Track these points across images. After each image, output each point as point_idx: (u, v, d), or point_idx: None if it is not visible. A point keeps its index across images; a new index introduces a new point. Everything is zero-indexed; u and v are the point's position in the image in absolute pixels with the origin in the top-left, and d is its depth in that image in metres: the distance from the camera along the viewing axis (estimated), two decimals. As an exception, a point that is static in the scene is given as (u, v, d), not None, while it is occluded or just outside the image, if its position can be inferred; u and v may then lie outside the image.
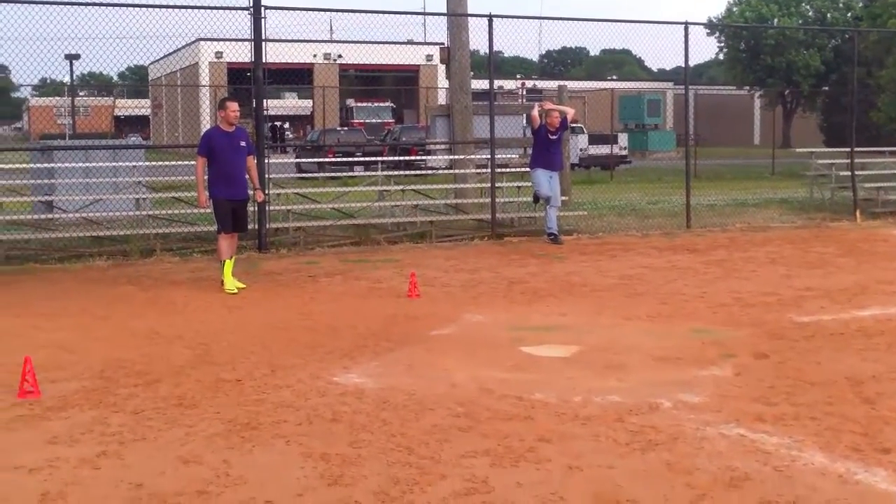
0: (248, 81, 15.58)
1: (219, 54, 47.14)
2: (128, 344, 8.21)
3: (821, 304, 9.90)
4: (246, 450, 5.48)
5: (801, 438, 5.60)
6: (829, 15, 59.67)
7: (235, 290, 10.61)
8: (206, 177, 10.93)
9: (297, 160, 29.65)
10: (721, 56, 64.66)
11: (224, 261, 10.86)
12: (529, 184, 15.71)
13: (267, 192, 14.01)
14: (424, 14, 29.62)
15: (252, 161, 11.26)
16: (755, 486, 4.89)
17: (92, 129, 40.36)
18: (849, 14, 56.98)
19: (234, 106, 10.97)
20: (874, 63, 37.67)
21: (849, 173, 18.98)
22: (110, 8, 14.13)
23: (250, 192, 11.41)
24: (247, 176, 11.22)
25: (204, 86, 42.78)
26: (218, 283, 10.83)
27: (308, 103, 57.09)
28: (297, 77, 49.50)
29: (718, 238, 15.67)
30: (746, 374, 7.07)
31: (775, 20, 59.17)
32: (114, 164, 15.37)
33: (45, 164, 14.96)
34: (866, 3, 48.00)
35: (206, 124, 37.59)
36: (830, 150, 26.47)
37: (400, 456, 5.35)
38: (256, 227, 13.77)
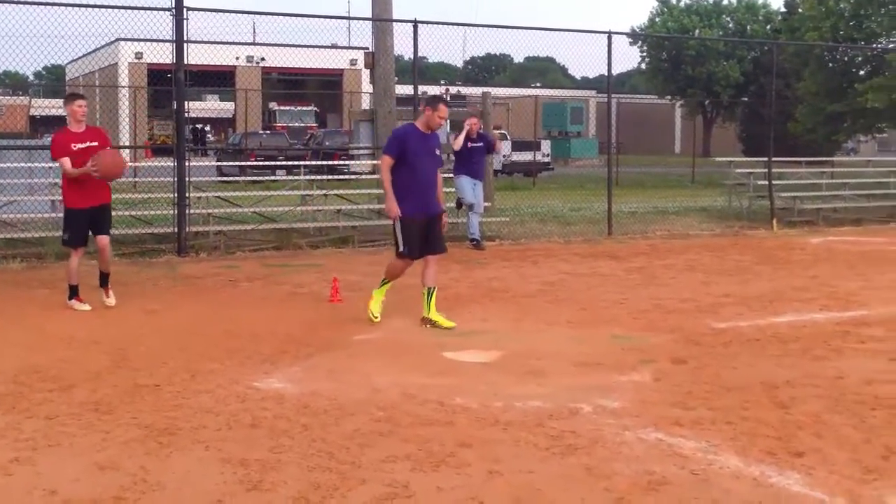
0: (168, 83, 15.40)
1: (139, 55, 46.48)
2: (43, 348, 8.05)
3: (738, 310, 10.06)
4: (164, 455, 5.40)
5: (717, 442, 5.68)
6: (748, 27, 60.85)
7: (377, 318, 9.16)
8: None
9: (219, 163, 29.36)
10: (643, 66, 65.52)
11: (387, 280, 9.30)
12: (451, 190, 15.74)
13: (187, 195, 13.87)
14: (349, 18, 29.60)
15: (440, 176, 9.44)
16: (672, 490, 4.95)
17: (6, 129, 39.53)
18: (768, 26, 58.18)
19: (445, 109, 9.13)
20: (792, 75, 38.49)
21: (766, 182, 19.34)
22: (26, 6, 13.85)
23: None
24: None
25: (123, 87, 42.11)
26: (135, 287, 10.61)
27: (230, 106, 56.55)
28: (218, 79, 49.10)
29: (639, 245, 15.86)
30: (665, 380, 7.16)
31: (697, 31, 60.15)
32: (29, 164, 15.07)
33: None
34: (785, 16, 49.04)
35: (124, 125, 37.04)
36: (749, 159, 26.98)
37: (320, 461, 5.31)
38: (176, 230, 13.61)
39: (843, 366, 7.62)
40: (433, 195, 9.16)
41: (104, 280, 9.97)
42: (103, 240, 9.90)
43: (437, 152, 9.27)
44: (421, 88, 16.64)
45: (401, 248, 9.08)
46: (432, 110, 9.02)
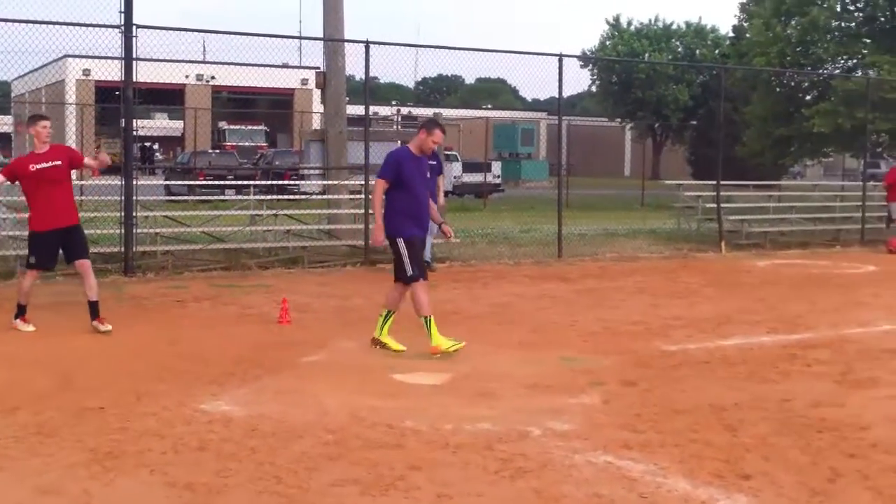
0: (117, 100, 15.26)
1: (86, 72, 46.02)
2: (-16, 369, 7.90)
3: (687, 333, 10.13)
4: (108, 479, 5.31)
5: (665, 465, 5.69)
6: (697, 51, 61.53)
7: (452, 347, 8.72)
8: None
9: (167, 182, 29.11)
10: (594, 88, 66.01)
11: (429, 317, 8.83)
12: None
13: (134, 214, 13.72)
14: (300, 38, 29.57)
15: (441, 180, 9.30)
16: (621, 514, 4.95)
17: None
18: (717, 51, 58.86)
19: (440, 135, 9.03)
20: (740, 99, 38.97)
21: (715, 205, 19.53)
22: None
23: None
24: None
25: (70, 104, 41.68)
26: (82, 307, 10.45)
27: (179, 124, 56.16)
28: (168, 97, 48.74)
29: (589, 267, 15.93)
30: (614, 402, 7.18)
31: (647, 55, 60.72)
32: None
33: None
34: (733, 41, 49.66)
35: (71, 143, 36.52)
36: (697, 182, 27.22)
37: (268, 485, 5.25)
38: (122, 250, 13.46)
39: (789, 388, 7.68)
40: (428, 217, 9.05)
41: (94, 311, 9.61)
42: (83, 264, 9.65)
43: (429, 175, 9.20)
44: (372, 109, 16.63)
45: (410, 272, 8.79)
46: (427, 134, 8.90)
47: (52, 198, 9.41)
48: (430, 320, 8.75)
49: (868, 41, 34.21)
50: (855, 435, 6.38)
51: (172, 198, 23.20)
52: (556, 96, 17.78)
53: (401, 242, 8.77)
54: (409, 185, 8.78)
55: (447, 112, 47.20)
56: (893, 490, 5.33)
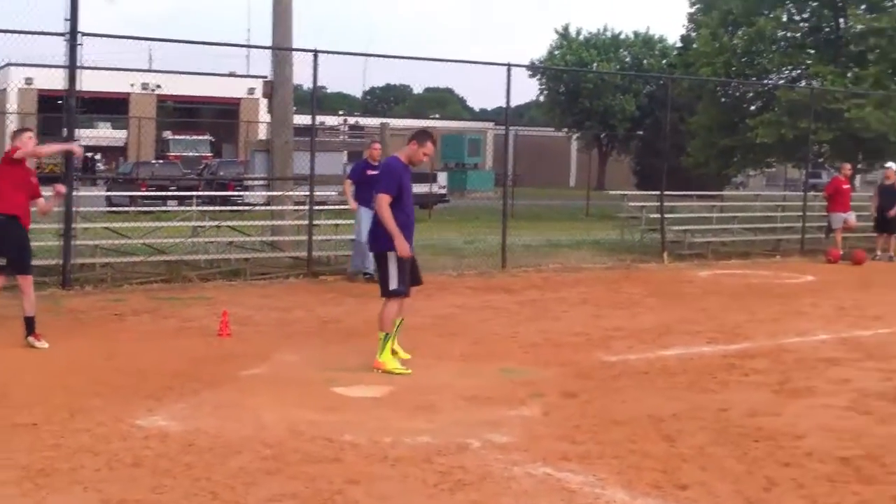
0: (59, 109, 15.05)
1: (29, 80, 45.47)
2: (-85, 385, 7.74)
3: (628, 343, 10.19)
4: (40, 497, 5.23)
5: (604, 476, 5.72)
6: (645, 61, 62.04)
7: (402, 370, 8.58)
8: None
9: (109, 193, 28.77)
10: (541, 98, 66.27)
11: (388, 334, 8.68)
12: (348, 222, 15.67)
13: (74, 225, 13.53)
14: (248, 46, 29.43)
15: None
16: (558, 526, 4.96)
17: None
18: (664, 61, 59.33)
19: (431, 148, 8.94)
20: (686, 109, 39.29)
21: (658, 216, 19.67)
22: None
23: None
24: None
25: (11, 112, 41.11)
26: (15, 321, 10.28)
27: (123, 134, 55.61)
28: (111, 106, 48.21)
29: (533, 278, 15.96)
30: (554, 414, 7.19)
31: (595, 64, 61.11)
32: None
33: None
34: (680, 51, 50.08)
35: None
36: (642, 192, 27.42)
37: (203, 500, 5.21)
38: (61, 262, 13.26)
39: (727, 398, 7.76)
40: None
41: (30, 326, 9.48)
42: (25, 280, 9.56)
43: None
44: (319, 118, 16.56)
45: (394, 286, 8.66)
46: (418, 145, 8.78)
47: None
48: (387, 337, 8.64)
49: (812, 52, 34.67)
50: (791, 444, 6.45)
51: (113, 209, 22.89)
52: (504, 106, 17.79)
53: (392, 256, 8.62)
54: (403, 197, 8.68)
55: (394, 122, 46.93)
56: (827, 499, 5.40)
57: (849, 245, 20.44)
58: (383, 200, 8.54)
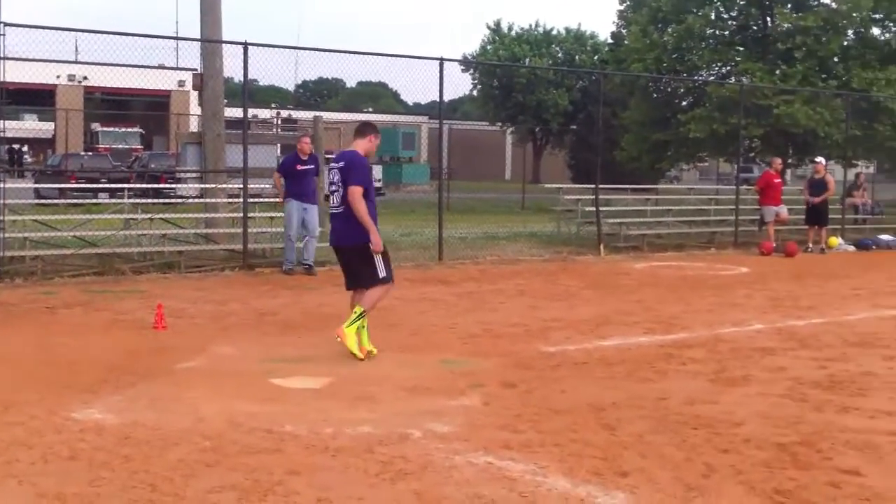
0: (-17, 101, 14.71)
1: (-47, 72, 44.47)
2: None
3: (566, 334, 10.22)
4: (-29, 492, 5.10)
5: (545, 464, 5.72)
6: (577, 57, 62.44)
7: (358, 353, 8.63)
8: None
9: (37, 185, 28.25)
10: (475, 92, 66.40)
11: (364, 313, 8.77)
12: (282, 214, 15.56)
13: (1, 217, 13.27)
14: (177, 39, 28.97)
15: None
16: (502, 514, 4.95)
17: None
18: (595, 57, 59.77)
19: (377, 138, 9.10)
20: (618, 104, 39.61)
21: (594, 209, 19.81)
22: None
23: None
24: None
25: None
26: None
27: (50, 126, 54.66)
28: (37, 98, 47.36)
29: (470, 270, 15.98)
30: (494, 403, 7.19)
31: (527, 60, 61.34)
32: None
33: None
34: (612, 47, 50.46)
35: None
36: (577, 186, 27.59)
37: (142, 493, 5.11)
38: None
39: (666, 387, 7.81)
40: None
41: None
42: None
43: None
44: (252, 111, 16.39)
45: (383, 274, 8.79)
46: (377, 137, 8.98)
47: None
48: (363, 314, 8.67)
49: (741, 49, 35.12)
50: (728, 431, 6.51)
51: (42, 201, 22.48)
52: (438, 100, 17.78)
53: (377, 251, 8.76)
54: (371, 190, 8.77)
55: (328, 115, 46.85)
56: (765, 484, 5.45)
57: (781, 238, 20.77)
58: (358, 193, 8.55)
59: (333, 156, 9.23)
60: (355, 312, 8.69)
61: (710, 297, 13.39)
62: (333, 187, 8.81)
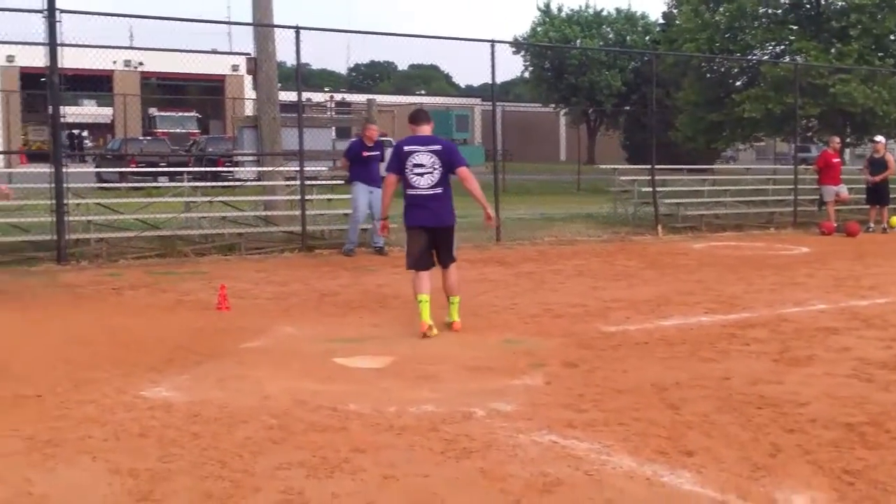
0: (42, 87, 14.95)
1: (10, 58, 45.16)
2: (-85, 359, 7.71)
3: (626, 314, 10.19)
4: (48, 467, 5.20)
5: (609, 443, 5.72)
6: (628, 38, 61.89)
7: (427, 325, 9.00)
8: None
9: (98, 169, 28.67)
10: (527, 74, 66.12)
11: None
12: (341, 196, 15.67)
13: (66, 201, 13.48)
14: (229, 23, 29.17)
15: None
16: (567, 491, 4.96)
17: None
18: (647, 38, 59.24)
19: None
20: (671, 84, 39.28)
21: (650, 189, 19.69)
22: None
23: None
24: None
25: (-7, 90, 40.88)
26: (12, 296, 10.24)
27: (108, 111, 55.31)
28: (95, 84, 47.94)
29: (528, 251, 15.98)
30: (556, 383, 7.20)
31: (578, 41, 60.94)
32: None
33: None
34: (663, 27, 50.03)
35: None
36: (632, 167, 27.44)
37: (213, 470, 5.19)
38: (55, 238, 13.22)
39: (729, 367, 7.76)
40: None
41: None
42: None
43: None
44: (305, 95, 16.49)
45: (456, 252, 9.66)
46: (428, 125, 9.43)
47: None
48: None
49: (795, 27, 34.67)
50: (794, 411, 6.46)
51: (104, 185, 22.80)
52: (490, 82, 17.76)
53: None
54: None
55: (381, 98, 47.02)
56: (833, 464, 5.41)
57: (842, 218, 20.51)
58: (470, 172, 9.28)
59: (407, 140, 9.40)
60: (454, 302, 9.31)
61: (771, 276, 13.26)
62: (421, 169, 9.06)
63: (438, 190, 9.08)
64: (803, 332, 9.29)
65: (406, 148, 9.15)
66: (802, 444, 5.77)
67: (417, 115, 9.40)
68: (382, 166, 15.43)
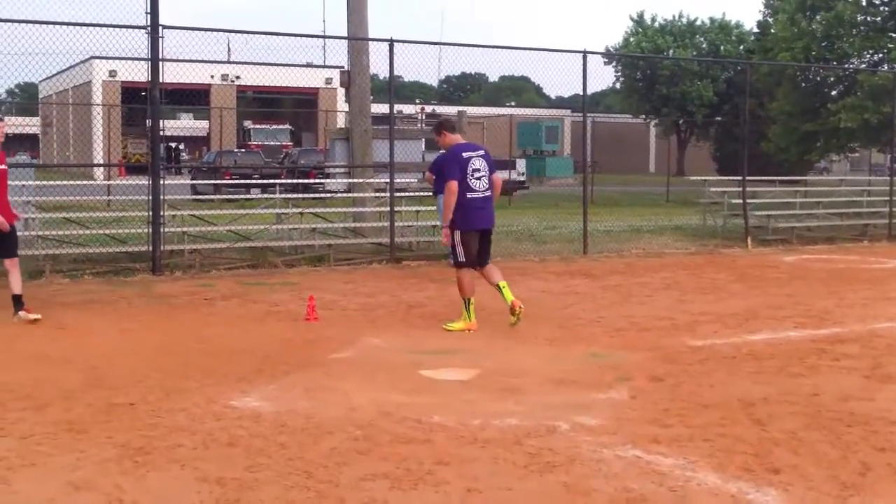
0: (143, 101, 15.34)
1: (112, 73, 46.36)
2: (16, 367, 7.97)
3: (714, 328, 10.09)
4: (139, 475, 5.34)
5: (694, 459, 5.68)
6: (722, 47, 61.26)
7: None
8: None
9: (193, 182, 29.25)
10: (618, 85, 65.80)
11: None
12: (428, 208, 15.75)
13: (162, 213, 13.79)
14: (324, 37, 29.48)
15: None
16: (651, 507, 4.94)
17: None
18: (741, 47, 58.57)
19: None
20: (765, 95, 38.76)
21: (740, 201, 19.45)
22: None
23: None
24: None
25: (96, 104, 41.93)
26: (109, 306, 10.52)
27: (204, 124, 56.45)
28: (193, 97, 48.98)
29: (615, 263, 15.89)
30: (642, 397, 7.16)
31: (671, 51, 60.47)
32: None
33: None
34: (758, 36, 49.38)
35: (98, 144, 36.79)
36: (723, 178, 27.10)
37: (298, 479, 5.27)
38: (150, 249, 13.54)
39: (818, 383, 7.64)
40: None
41: (18, 303, 9.88)
42: (13, 262, 9.98)
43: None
44: (397, 107, 16.64)
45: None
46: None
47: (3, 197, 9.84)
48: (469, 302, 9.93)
49: (894, 35, 33.95)
50: (885, 429, 6.34)
51: (199, 197, 23.27)
52: (580, 93, 17.73)
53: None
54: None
55: (471, 110, 47.12)
56: (925, 484, 5.30)
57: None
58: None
59: (462, 147, 10.06)
60: (504, 286, 9.99)
61: (864, 291, 13.00)
62: (479, 173, 9.81)
63: (489, 192, 9.92)
64: (896, 348, 9.10)
65: (465, 154, 9.81)
66: (893, 463, 5.67)
67: (454, 123, 10.24)
68: None
